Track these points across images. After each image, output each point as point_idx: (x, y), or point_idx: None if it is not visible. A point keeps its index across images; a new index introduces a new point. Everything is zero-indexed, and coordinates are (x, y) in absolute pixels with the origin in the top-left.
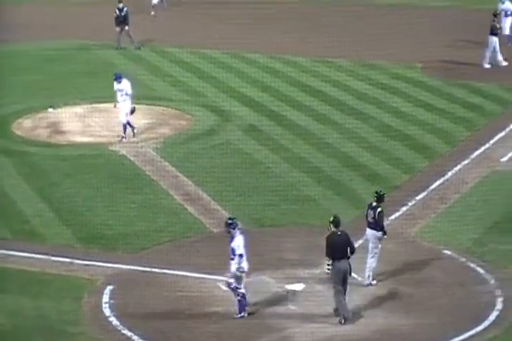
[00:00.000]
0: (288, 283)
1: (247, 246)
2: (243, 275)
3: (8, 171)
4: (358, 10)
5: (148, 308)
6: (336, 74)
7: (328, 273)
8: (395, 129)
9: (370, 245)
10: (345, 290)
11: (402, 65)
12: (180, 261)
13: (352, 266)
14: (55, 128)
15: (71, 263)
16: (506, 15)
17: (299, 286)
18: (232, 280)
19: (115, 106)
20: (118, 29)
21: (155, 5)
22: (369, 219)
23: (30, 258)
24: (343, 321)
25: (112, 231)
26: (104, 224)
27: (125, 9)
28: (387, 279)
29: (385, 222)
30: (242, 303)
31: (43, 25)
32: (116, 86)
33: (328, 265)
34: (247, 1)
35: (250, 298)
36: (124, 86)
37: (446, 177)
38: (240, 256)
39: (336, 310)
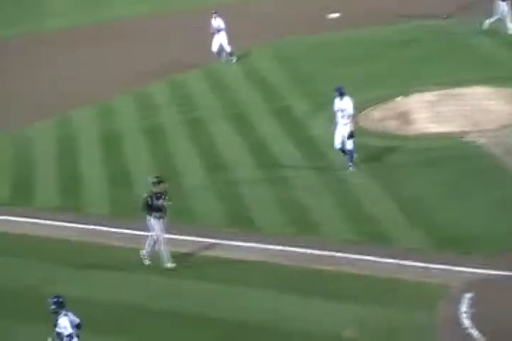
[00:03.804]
0: None
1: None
2: None
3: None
4: None
5: None
6: None
7: None
8: None
9: None
10: None
11: None
12: None
13: None
14: (404, 118)
15: (423, 268)
16: None
17: None
18: None
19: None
20: None
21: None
22: None
23: (378, 262)
24: None
25: (469, 233)
26: (458, 225)
27: None
28: None
29: None
30: None
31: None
32: (337, 104)
33: None
34: None
35: None
36: (346, 104)
37: None
38: (69, 336)
39: None
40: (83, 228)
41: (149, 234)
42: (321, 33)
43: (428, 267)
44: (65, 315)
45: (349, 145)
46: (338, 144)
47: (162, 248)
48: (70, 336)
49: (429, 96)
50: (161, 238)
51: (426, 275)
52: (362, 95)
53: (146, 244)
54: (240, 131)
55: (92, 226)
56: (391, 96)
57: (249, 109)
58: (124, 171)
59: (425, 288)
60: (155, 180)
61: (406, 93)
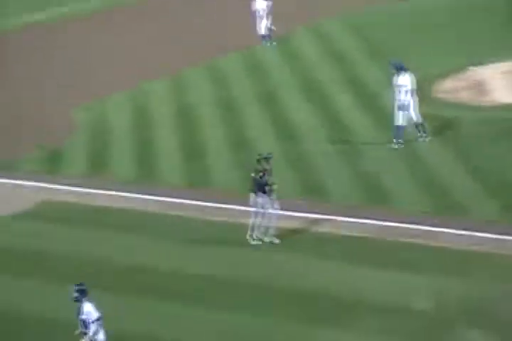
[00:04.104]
0: None
1: None
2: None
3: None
4: None
5: None
6: None
7: None
8: None
9: None
10: None
11: None
12: None
13: None
14: (479, 88)
15: (497, 240)
16: None
17: None
18: None
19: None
20: None
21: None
22: None
23: (452, 234)
24: None
25: None
26: None
27: None
28: None
29: None
30: None
31: None
32: (395, 80)
33: None
34: None
35: None
36: (407, 80)
37: None
38: (98, 320)
39: None
40: (160, 200)
41: (258, 210)
42: (394, 2)
43: (503, 239)
44: (88, 301)
45: (415, 115)
46: (416, 118)
47: (269, 224)
48: (98, 320)
49: (504, 66)
50: (268, 214)
51: (500, 247)
52: (434, 65)
53: (257, 222)
54: (313, 102)
55: (168, 198)
56: (464, 66)
57: (322, 79)
58: (199, 142)
59: (499, 260)
60: (259, 157)
61: (480, 63)
